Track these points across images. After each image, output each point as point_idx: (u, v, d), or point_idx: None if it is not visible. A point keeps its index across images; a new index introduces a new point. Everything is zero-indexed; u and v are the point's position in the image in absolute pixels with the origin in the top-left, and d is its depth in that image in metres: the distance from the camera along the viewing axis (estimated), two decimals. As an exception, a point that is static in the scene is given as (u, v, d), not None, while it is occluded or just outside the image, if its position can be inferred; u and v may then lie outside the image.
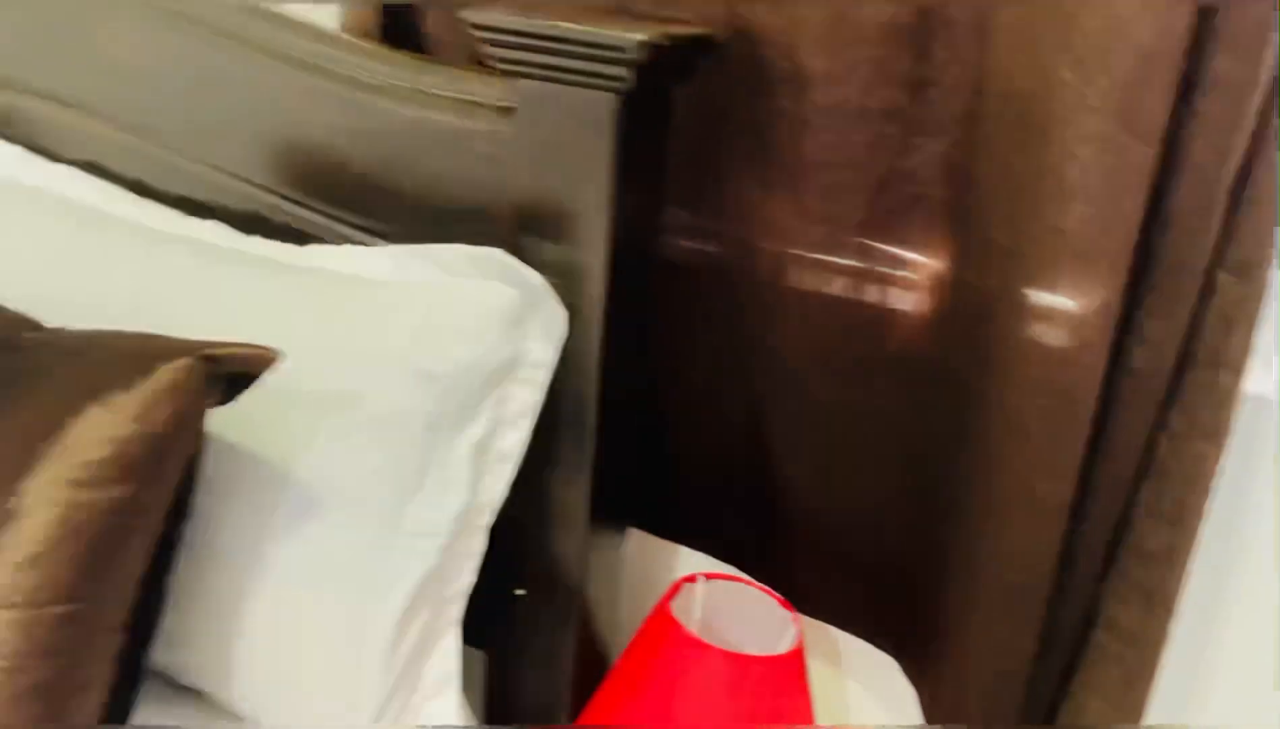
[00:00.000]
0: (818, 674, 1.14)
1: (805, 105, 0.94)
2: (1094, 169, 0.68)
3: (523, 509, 0.97)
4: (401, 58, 0.97)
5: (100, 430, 0.70)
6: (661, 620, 0.97)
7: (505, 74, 0.86)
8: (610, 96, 0.82)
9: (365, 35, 1.03)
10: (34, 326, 0.82)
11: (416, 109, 0.95)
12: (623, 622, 1.11)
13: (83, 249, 1.01)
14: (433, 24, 1.03)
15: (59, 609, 0.70)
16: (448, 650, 0.93)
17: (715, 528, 1.14)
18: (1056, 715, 0.83)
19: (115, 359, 0.73)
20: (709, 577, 1.04)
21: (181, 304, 0.94)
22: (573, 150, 0.85)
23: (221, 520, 0.85)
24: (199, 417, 0.75)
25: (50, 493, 0.69)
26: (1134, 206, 0.69)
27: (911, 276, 0.95)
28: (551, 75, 0.83)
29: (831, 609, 1.08)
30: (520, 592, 1.01)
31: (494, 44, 0.83)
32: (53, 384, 0.72)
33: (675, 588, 1.02)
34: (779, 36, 0.92)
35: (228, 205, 1.08)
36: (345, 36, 1.01)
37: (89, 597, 0.71)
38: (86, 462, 0.70)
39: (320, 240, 1.02)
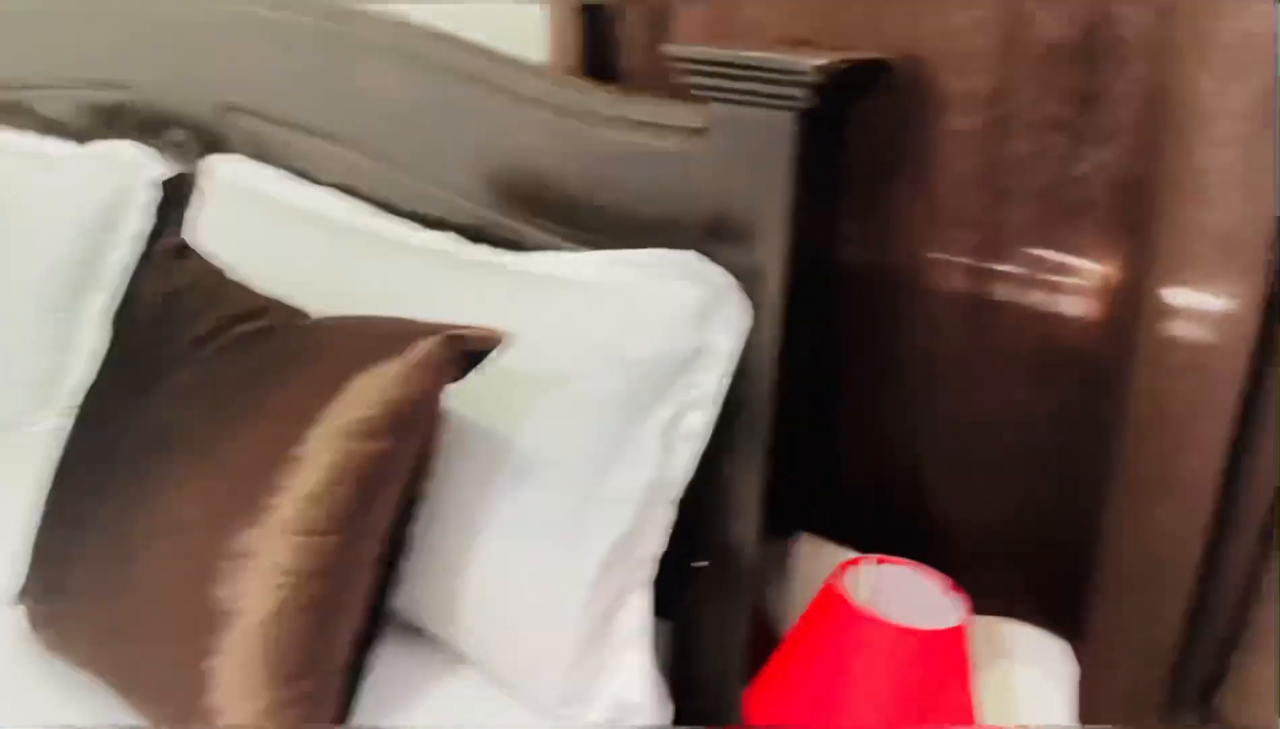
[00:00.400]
0: (986, 663, 1.19)
1: (974, 120, 1.01)
2: (1234, 169, 0.74)
3: (705, 490, 1.07)
4: (606, 89, 1.11)
5: (370, 393, 0.86)
6: (830, 596, 1.06)
7: (697, 99, 0.98)
8: (791, 116, 0.93)
9: (570, 71, 1.18)
10: (305, 316, 1.00)
11: (619, 133, 1.08)
12: (791, 616, 1.20)
13: (338, 257, 1.19)
14: (629, 59, 1.17)
15: (332, 539, 0.86)
16: (638, 608, 1.04)
17: (879, 529, 1.20)
18: (1214, 690, 0.86)
19: (382, 335, 0.89)
20: (879, 560, 1.12)
21: (419, 301, 1.09)
22: (757, 165, 0.96)
23: (452, 481, 1.00)
24: (443, 385, 0.90)
25: (329, 442, 0.85)
26: (1273, 203, 0.74)
27: (1077, 281, 1.01)
28: (739, 98, 0.94)
29: (996, 599, 1.13)
30: (702, 563, 1.11)
31: (689, 72, 0.95)
32: (332, 355, 0.89)
33: (843, 567, 1.10)
34: (950, 60, 1.00)
35: (455, 220, 1.24)
36: (558, 73, 1.15)
37: (355, 531, 0.87)
38: (358, 418, 0.86)
39: (533, 249, 1.16)
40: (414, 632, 1.07)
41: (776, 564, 1.15)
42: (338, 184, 1.34)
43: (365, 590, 0.90)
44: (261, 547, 0.84)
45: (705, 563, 1.12)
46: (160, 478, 0.88)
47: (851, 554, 1.24)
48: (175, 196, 1.48)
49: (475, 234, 1.21)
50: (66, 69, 1.66)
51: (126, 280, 1.49)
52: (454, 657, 1.06)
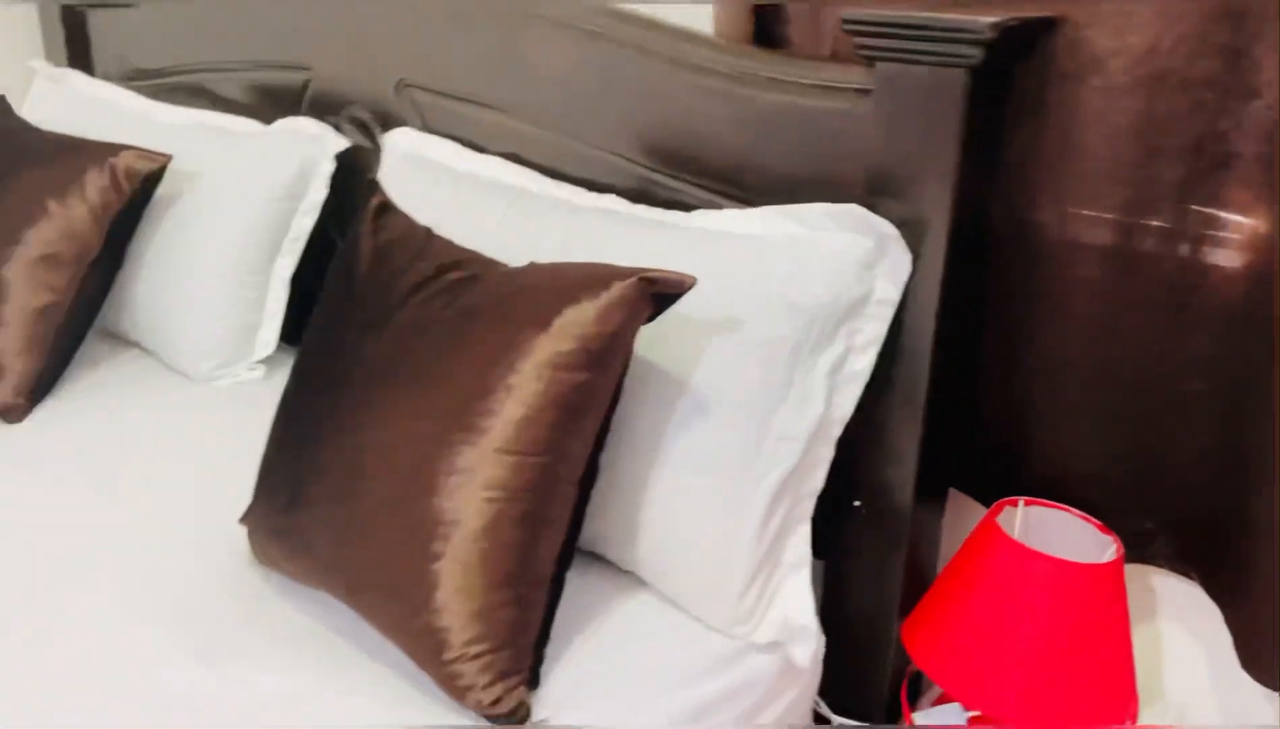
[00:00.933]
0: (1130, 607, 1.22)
1: (1127, 77, 1.05)
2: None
3: (861, 435, 1.14)
4: (770, 55, 1.18)
5: (573, 329, 0.95)
6: (987, 531, 1.11)
7: (866, 60, 1.05)
8: (962, 73, 0.98)
9: (737, 39, 1.26)
10: (503, 266, 1.09)
11: (784, 96, 1.15)
12: (939, 566, 1.25)
13: (515, 218, 1.29)
14: (793, 28, 1.23)
15: (539, 459, 0.95)
16: (802, 538, 1.12)
17: (1018, 480, 1.24)
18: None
19: (582, 278, 0.98)
20: (1028, 502, 1.16)
21: (595, 257, 1.18)
22: (924, 122, 1.02)
23: (633, 416, 1.09)
24: (637, 325, 0.98)
25: (537, 373, 0.95)
26: None
27: (1222, 234, 1.04)
28: (908, 57, 1.01)
29: (1133, 548, 1.16)
30: (858, 502, 1.18)
31: (860, 33, 1.02)
32: (537, 295, 0.98)
33: (997, 508, 1.15)
34: (1106, 18, 1.04)
35: (620, 183, 1.33)
36: (723, 40, 1.23)
37: (558, 452, 0.96)
38: (562, 351, 0.95)
39: (695, 208, 1.24)
40: (593, 556, 1.17)
41: (929, 512, 1.21)
42: (506, 153, 1.44)
43: (567, 509, 0.99)
44: (477, 465, 0.94)
45: (859, 504, 1.18)
46: (387, 404, 0.99)
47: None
48: (352, 168, 1.61)
49: (638, 196, 1.30)
50: (246, 52, 1.81)
51: (304, 244, 1.63)
52: (631, 580, 1.15)
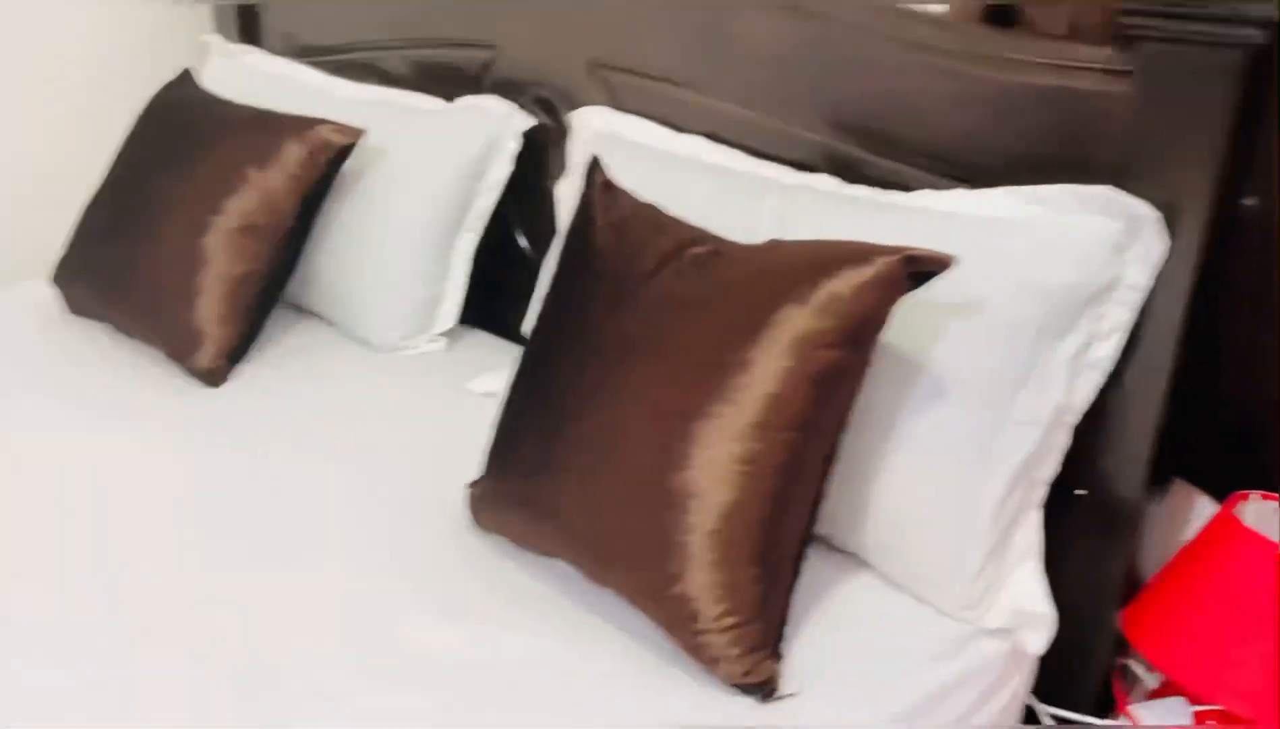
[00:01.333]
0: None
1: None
2: None
3: (1092, 419, 1.11)
4: (1006, 35, 1.16)
5: (831, 305, 0.95)
6: (1225, 523, 1.08)
7: (1128, 40, 1.02)
8: (1239, 54, 0.95)
9: (970, 18, 1.24)
10: (738, 244, 1.09)
11: (1018, 75, 1.13)
12: (1156, 557, 1.22)
13: (726, 197, 1.28)
14: (1030, 7, 1.21)
15: (790, 436, 0.95)
16: (1033, 525, 1.10)
17: (1247, 476, 1.21)
18: None
19: (841, 253, 0.97)
20: (1264, 496, 1.13)
21: (817, 236, 1.18)
22: (1191, 104, 0.99)
23: (868, 397, 1.08)
24: (894, 303, 0.97)
25: (793, 348, 0.95)
26: None
27: None
28: (1179, 37, 0.98)
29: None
30: (1081, 491, 1.16)
31: (1131, 13, 1.00)
32: (794, 270, 0.98)
33: (1233, 500, 1.12)
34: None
35: (823, 162, 1.32)
36: (953, 20, 1.21)
37: (810, 430, 0.96)
38: (818, 329, 0.95)
39: (913, 188, 1.22)
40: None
41: (1152, 502, 1.18)
42: (702, 132, 1.44)
43: (814, 486, 0.99)
44: (729, 439, 0.94)
45: (1083, 492, 1.16)
46: (640, 377, 0.99)
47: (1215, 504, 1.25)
48: (536, 147, 1.63)
49: (845, 175, 1.28)
50: (423, 30, 1.83)
51: (486, 221, 1.65)
52: (851, 560, 1.14)
